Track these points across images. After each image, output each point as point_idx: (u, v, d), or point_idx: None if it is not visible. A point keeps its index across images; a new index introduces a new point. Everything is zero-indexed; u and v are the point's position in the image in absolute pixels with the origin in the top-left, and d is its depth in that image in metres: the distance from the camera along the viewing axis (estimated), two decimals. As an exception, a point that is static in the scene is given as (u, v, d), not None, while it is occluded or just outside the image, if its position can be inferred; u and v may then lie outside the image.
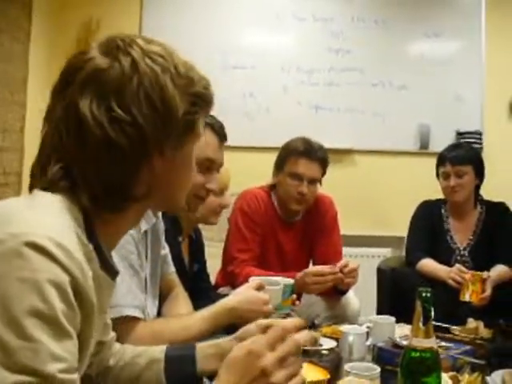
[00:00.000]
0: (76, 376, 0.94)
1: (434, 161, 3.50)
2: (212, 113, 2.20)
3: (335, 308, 2.95)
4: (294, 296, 2.37)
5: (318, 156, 2.99)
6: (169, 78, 1.10)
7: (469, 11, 4.98)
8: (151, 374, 1.42)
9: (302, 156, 2.97)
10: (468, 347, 2.23)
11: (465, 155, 3.38)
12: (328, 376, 1.76)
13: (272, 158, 3.14)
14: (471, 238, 3.43)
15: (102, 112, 1.05)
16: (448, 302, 2.94)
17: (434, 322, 1.39)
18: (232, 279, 2.87)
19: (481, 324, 2.53)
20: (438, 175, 3.46)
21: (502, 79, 4.95)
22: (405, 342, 1.76)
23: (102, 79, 1.07)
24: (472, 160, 3.39)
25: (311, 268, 2.85)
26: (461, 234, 3.45)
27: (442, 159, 3.43)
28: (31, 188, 1.10)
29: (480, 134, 4.88)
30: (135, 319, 1.73)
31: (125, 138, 1.06)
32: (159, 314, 2.01)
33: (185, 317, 1.92)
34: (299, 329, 1.16)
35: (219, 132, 2.16)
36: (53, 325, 0.90)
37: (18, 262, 0.90)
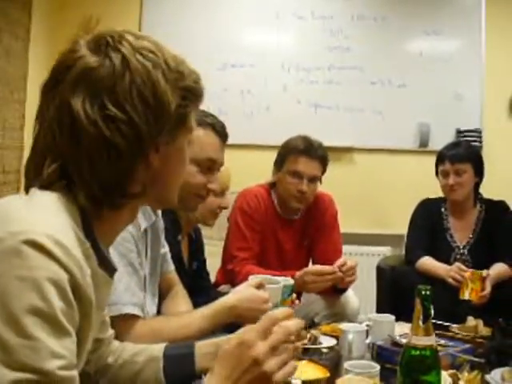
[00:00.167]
0: (75, 372, 0.95)
1: (433, 159, 3.50)
2: (212, 111, 2.21)
3: (335, 306, 2.96)
4: (294, 296, 2.37)
5: (318, 154, 2.99)
6: (160, 73, 1.10)
7: (469, 9, 4.97)
8: (150, 372, 1.42)
9: (302, 154, 2.97)
10: (467, 345, 2.23)
11: (464, 153, 3.38)
12: (328, 374, 1.76)
13: (272, 156, 3.14)
14: (471, 236, 3.43)
15: (95, 110, 1.06)
16: (447, 300, 2.95)
17: (433, 320, 1.39)
18: (232, 277, 2.87)
19: (480, 322, 2.53)
20: (437, 173, 3.46)
21: (501, 77, 4.95)
22: (404, 340, 1.76)
23: (94, 77, 1.07)
24: (471, 158, 3.39)
25: (311, 267, 2.85)
26: (460, 233, 3.45)
27: (441, 157, 3.44)
28: (27, 187, 1.11)
29: (480, 132, 4.87)
30: (134, 317, 1.73)
31: (119, 136, 1.06)
32: (159, 312, 2.01)
33: (184, 315, 1.92)
34: (289, 317, 1.15)
35: (221, 132, 2.16)
36: (52, 323, 0.91)
37: (16, 260, 0.91)
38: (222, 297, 1.98)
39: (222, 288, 2.86)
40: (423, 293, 1.35)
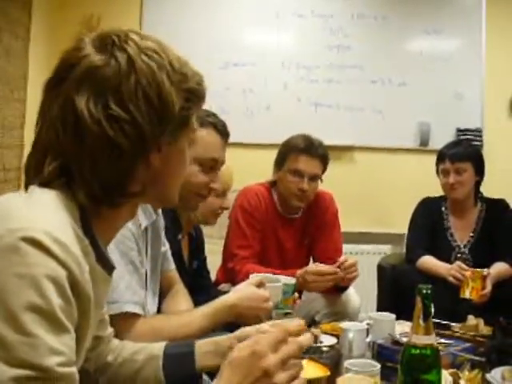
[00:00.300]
0: (74, 369, 0.95)
1: (434, 158, 3.51)
2: (213, 110, 2.21)
3: (335, 305, 2.95)
4: (296, 295, 2.37)
5: (319, 153, 2.99)
6: (165, 74, 1.10)
7: (469, 9, 4.97)
8: (150, 370, 1.42)
9: (303, 153, 2.97)
10: (468, 344, 2.23)
11: (464, 152, 3.39)
12: (328, 373, 1.76)
13: (272, 154, 3.14)
14: (471, 235, 3.43)
15: (99, 110, 1.06)
16: (448, 299, 2.95)
17: (434, 319, 1.39)
18: (232, 276, 2.87)
19: (481, 321, 2.53)
20: (438, 172, 3.46)
21: (501, 77, 4.95)
22: (405, 339, 1.76)
23: (99, 76, 1.07)
24: (471, 157, 3.39)
25: (312, 267, 2.84)
26: (461, 232, 3.46)
27: (441, 156, 3.44)
28: (26, 185, 1.11)
29: (480, 131, 4.88)
30: (135, 315, 1.73)
31: (123, 136, 1.06)
32: (159, 310, 2.01)
33: (185, 313, 1.92)
34: (302, 331, 1.16)
35: (222, 131, 2.16)
36: (50, 319, 0.91)
37: (15, 257, 0.91)
38: (222, 295, 1.98)
39: (223, 287, 2.86)
40: (424, 291, 1.35)
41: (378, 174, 4.96)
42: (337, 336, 2.29)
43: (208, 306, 1.90)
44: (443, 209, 3.51)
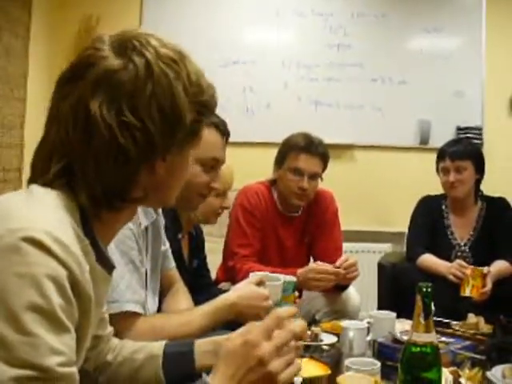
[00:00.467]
0: (74, 369, 0.95)
1: (434, 156, 3.50)
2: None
3: (336, 303, 2.95)
4: (297, 293, 2.37)
5: (319, 151, 2.99)
6: (181, 85, 1.10)
7: (469, 7, 4.97)
8: (149, 369, 1.42)
9: (303, 151, 2.97)
10: (468, 342, 2.23)
11: (464, 150, 3.38)
12: (329, 371, 1.76)
13: (272, 153, 3.14)
14: (472, 233, 3.43)
15: (112, 115, 1.05)
16: (448, 297, 2.95)
17: (434, 317, 1.39)
18: (232, 274, 2.87)
19: (481, 319, 2.53)
20: (438, 170, 3.46)
21: (502, 75, 4.94)
22: (405, 337, 1.76)
23: (115, 81, 1.06)
24: (471, 155, 3.39)
25: (314, 265, 2.84)
26: (461, 230, 3.45)
27: (441, 154, 3.44)
28: (30, 182, 1.10)
29: (480, 129, 4.87)
30: (135, 314, 1.73)
31: (132, 143, 1.06)
32: (159, 309, 2.01)
33: (185, 312, 1.92)
34: (293, 316, 1.16)
35: (223, 131, 2.16)
36: (51, 319, 0.91)
37: (15, 257, 0.91)
38: (222, 294, 1.98)
39: (223, 285, 2.86)
40: (424, 290, 1.35)
41: (379, 172, 4.96)
42: (337, 335, 2.29)
43: (208, 305, 1.90)
44: (443, 207, 3.51)
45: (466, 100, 4.94)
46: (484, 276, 3.03)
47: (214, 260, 3.00)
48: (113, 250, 1.65)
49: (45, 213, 1.00)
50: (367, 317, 2.47)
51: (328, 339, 2.27)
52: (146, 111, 1.06)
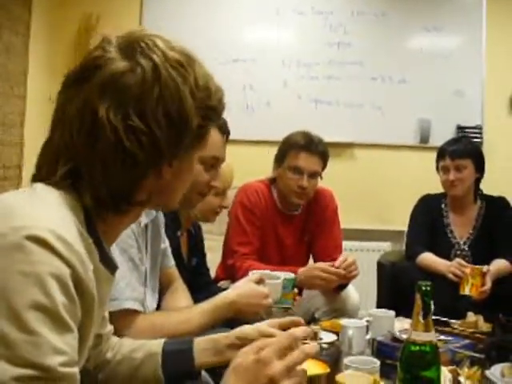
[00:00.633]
0: (76, 369, 0.94)
1: (434, 155, 3.50)
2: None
3: (335, 302, 2.95)
4: (296, 291, 2.38)
5: (319, 150, 2.99)
6: (188, 89, 1.09)
7: (469, 5, 4.96)
8: (149, 368, 1.42)
9: (303, 150, 2.97)
10: (467, 341, 2.24)
11: (464, 149, 3.38)
12: (328, 370, 1.76)
13: (272, 151, 3.14)
14: (471, 232, 3.43)
15: (118, 119, 1.04)
16: (448, 295, 2.95)
17: (433, 316, 1.39)
18: (232, 273, 2.87)
19: (480, 318, 2.54)
20: (438, 169, 3.46)
21: (502, 74, 4.94)
22: (404, 336, 1.76)
23: (122, 84, 1.05)
24: (471, 154, 3.39)
25: (319, 263, 2.84)
26: (461, 229, 3.46)
27: (441, 153, 3.44)
28: (34, 181, 1.10)
29: (480, 128, 4.87)
30: (135, 312, 1.73)
31: (138, 147, 1.05)
32: (159, 307, 2.01)
33: (184, 310, 1.92)
34: (308, 336, 1.16)
35: (224, 129, 2.16)
36: (54, 318, 0.90)
37: (19, 255, 0.90)
38: (221, 292, 1.99)
39: (222, 283, 2.86)
40: (423, 288, 1.35)
41: (378, 171, 4.96)
42: (336, 333, 2.30)
43: (207, 303, 1.90)
44: (443, 206, 3.51)
45: (466, 99, 4.94)
46: (483, 275, 3.03)
47: (213, 258, 3.00)
48: (112, 248, 1.65)
49: (48, 211, 1.00)
50: (366, 315, 2.47)
51: (327, 337, 2.27)
52: (153, 115, 1.06)
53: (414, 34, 5.03)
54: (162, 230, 2.05)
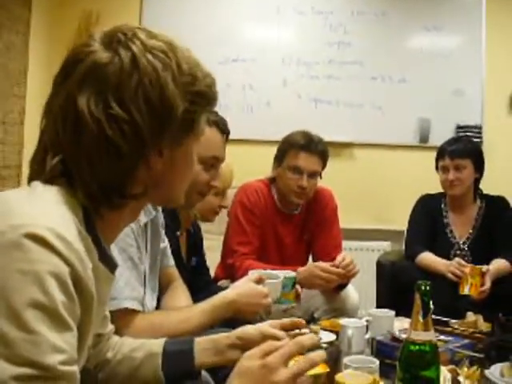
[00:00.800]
0: (76, 368, 0.94)
1: (433, 155, 3.51)
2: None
3: (335, 301, 2.95)
4: (299, 289, 2.37)
5: (318, 149, 2.99)
6: (170, 75, 1.08)
7: (469, 5, 4.96)
8: (149, 368, 1.41)
9: (302, 149, 2.97)
10: (467, 341, 2.23)
11: (464, 149, 3.38)
12: (327, 369, 1.76)
13: (272, 151, 3.14)
14: (471, 231, 3.43)
15: (99, 109, 1.04)
16: (447, 295, 2.95)
17: (433, 316, 1.39)
18: (232, 272, 2.87)
19: (480, 318, 2.54)
20: (437, 169, 3.47)
21: (502, 74, 4.94)
22: (404, 336, 1.76)
23: (101, 74, 1.05)
24: (471, 154, 3.39)
25: (319, 263, 2.84)
26: (460, 228, 3.46)
27: (441, 152, 3.44)
28: (30, 180, 1.10)
29: (480, 128, 4.87)
30: (134, 312, 1.73)
31: (121, 136, 1.04)
32: (158, 306, 2.01)
33: (184, 309, 1.92)
34: (315, 346, 1.15)
35: (223, 129, 2.16)
36: (53, 316, 0.90)
37: (18, 253, 0.90)
38: (221, 292, 1.98)
39: (222, 283, 2.86)
40: (423, 288, 1.35)
41: (378, 170, 4.96)
42: (336, 332, 2.29)
43: (207, 302, 1.90)
44: (442, 205, 3.52)
45: (466, 98, 4.94)
46: (483, 274, 3.03)
47: (213, 257, 3.00)
48: (112, 247, 1.65)
49: (47, 209, 1.00)
50: (366, 315, 2.47)
51: (327, 337, 2.27)
52: (133, 103, 1.05)
53: (414, 34, 5.03)
54: (162, 230, 2.05)
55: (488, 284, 3.02)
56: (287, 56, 4.96)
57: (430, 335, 1.37)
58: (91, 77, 1.05)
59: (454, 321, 2.56)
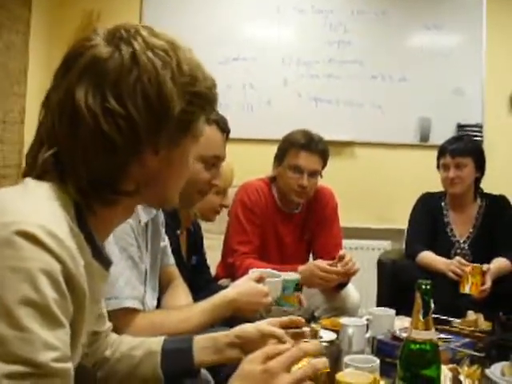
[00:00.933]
0: (69, 365, 0.94)
1: (434, 154, 3.51)
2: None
3: (335, 300, 2.96)
4: (300, 294, 2.37)
5: (319, 148, 2.99)
6: (169, 74, 1.08)
7: (469, 4, 4.96)
8: (148, 366, 1.41)
9: (303, 148, 2.96)
10: (467, 340, 2.23)
11: (465, 147, 3.39)
12: (327, 368, 1.75)
13: (272, 150, 3.14)
14: (471, 230, 3.43)
15: (96, 102, 1.04)
16: (448, 294, 2.95)
17: (433, 315, 1.39)
18: (232, 271, 2.87)
19: (480, 316, 2.54)
20: (438, 167, 3.47)
21: (502, 72, 4.93)
22: (404, 335, 1.76)
23: (100, 68, 1.05)
24: (472, 152, 3.39)
25: (319, 261, 2.84)
26: (461, 227, 3.46)
27: (442, 151, 3.44)
28: (25, 175, 1.10)
29: (480, 127, 4.86)
30: (134, 311, 1.73)
31: (117, 131, 1.04)
32: (158, 305, 2.01)
33: (184, 308, 1.92)
34: (319, 353, 1.15)
35: (223, 128, 2.16)
36: (45, 314, 0.90)
37: (9, 251, 0.90)
38: (221, 291, 1.98)
39: (222, 282, 2.86)
40: (423, 287, 1.35)
41: (378, 169, 4.95)
42: (336, 331, 2.29)
43: (207, 301, 1.90)
44: (443, 204, 3.52)
45: (467, 97, 4.93)
46: (483, 273, 3.04)
47: (213, 256, 3.00)
48: (112, 246, 1.65)
49: (39, 206, 0.99)
50: (366, 314, 2.46)
51: (327, 336, 2.26)
52: (131, 98, 1.04)
53: (414, 33, 5.02)
54: (162, 229, 2.05)
55: (488, 283, 3.02)
56: (287, 55, 4.96)
57: (431, 334, 1.37)
58: (91, 71, 1.06)
59: (454, 320, 2.56)
